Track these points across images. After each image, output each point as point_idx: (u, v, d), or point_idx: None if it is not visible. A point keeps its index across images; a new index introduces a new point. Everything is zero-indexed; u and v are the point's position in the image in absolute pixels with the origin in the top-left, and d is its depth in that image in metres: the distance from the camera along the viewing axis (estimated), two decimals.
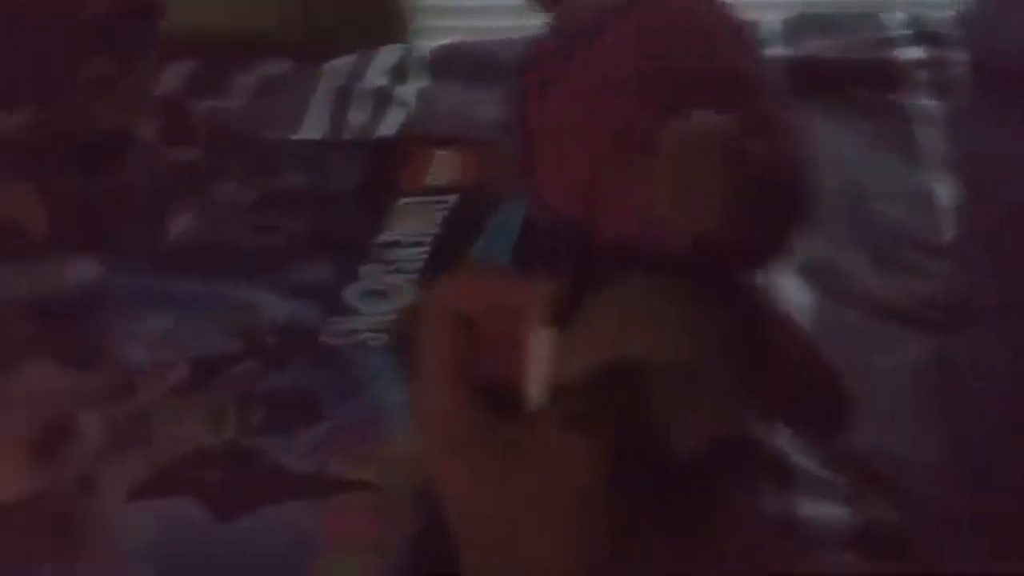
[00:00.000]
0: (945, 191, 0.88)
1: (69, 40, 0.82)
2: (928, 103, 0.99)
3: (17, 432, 0.60)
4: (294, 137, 1.04)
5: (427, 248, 0.86)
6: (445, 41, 1.19)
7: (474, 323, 0.45)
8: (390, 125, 1.06)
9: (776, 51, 1.04)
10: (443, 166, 0.96)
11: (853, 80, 1.02)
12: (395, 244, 0.87)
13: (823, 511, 0.66)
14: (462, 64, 1.13)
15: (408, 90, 1.10)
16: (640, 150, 0.43)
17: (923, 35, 1.07)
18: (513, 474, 0.41)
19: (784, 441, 0.60)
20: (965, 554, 0.61)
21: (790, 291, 0.80)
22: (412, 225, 0.89)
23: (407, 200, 0.92)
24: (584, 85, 0.48)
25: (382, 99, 1.09)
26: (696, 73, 0.46)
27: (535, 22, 0.52)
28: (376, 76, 1.13)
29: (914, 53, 1.05)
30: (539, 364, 0.44)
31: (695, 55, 0.47)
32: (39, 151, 0.85)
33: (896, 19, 1.10)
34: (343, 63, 1.14)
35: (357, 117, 1.07)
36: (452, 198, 0.90)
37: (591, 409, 0.43)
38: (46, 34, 0.83)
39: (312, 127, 1.06)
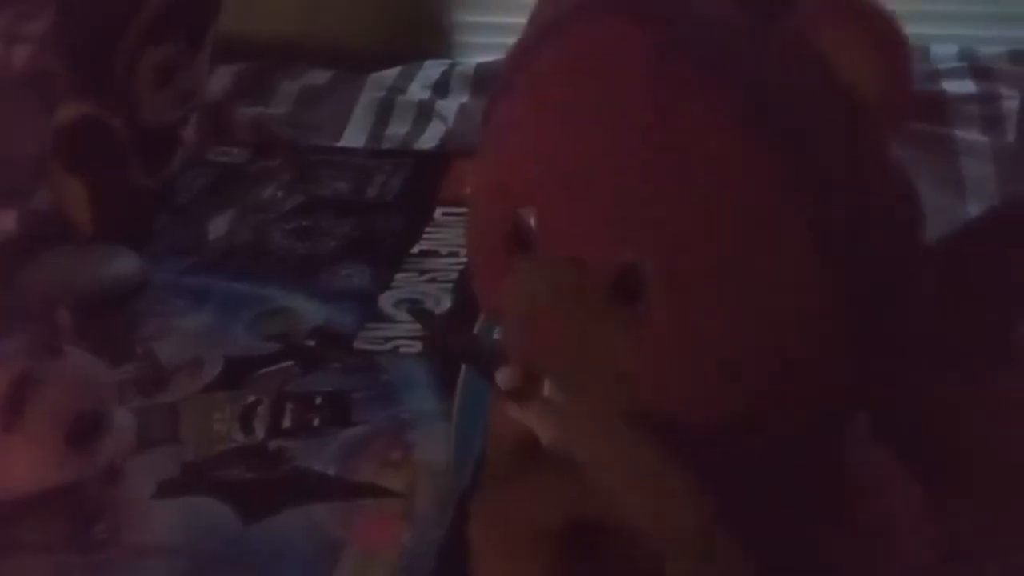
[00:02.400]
0: None
1: (135, 25, 0.82)
2: (977, 137, 0.98)
3: (55, 422, 0.60)
4: (336, 145, 1.04)
5: (463, 259, 0.86)
6: (490, 57, 1.19)
7: None
8: (430, 139, 1.06)
9: None
10: None
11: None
12: (432, 254, 0.87)
13: None
14: None
15: (449, 105, 1.10)
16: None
17: (975, 69, 1.06)
18: None
19: None
20: None
21: None
22: (449, 236, 0.89)
23: (445, 210, 0.92)
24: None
25: (423, 112, 1.09)
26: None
27: None
28: (419, 89, 1.13)
29: (965, 87, 1.04)
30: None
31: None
32: (89, 145, 0.85)
33: (947, 52, 1.09)
34: (387, 75, 1.15)
35: (398, 129, 1.07)
36: None
37: None
38: (113, 17, 0.84)
39: (353, 136, 1.07)
